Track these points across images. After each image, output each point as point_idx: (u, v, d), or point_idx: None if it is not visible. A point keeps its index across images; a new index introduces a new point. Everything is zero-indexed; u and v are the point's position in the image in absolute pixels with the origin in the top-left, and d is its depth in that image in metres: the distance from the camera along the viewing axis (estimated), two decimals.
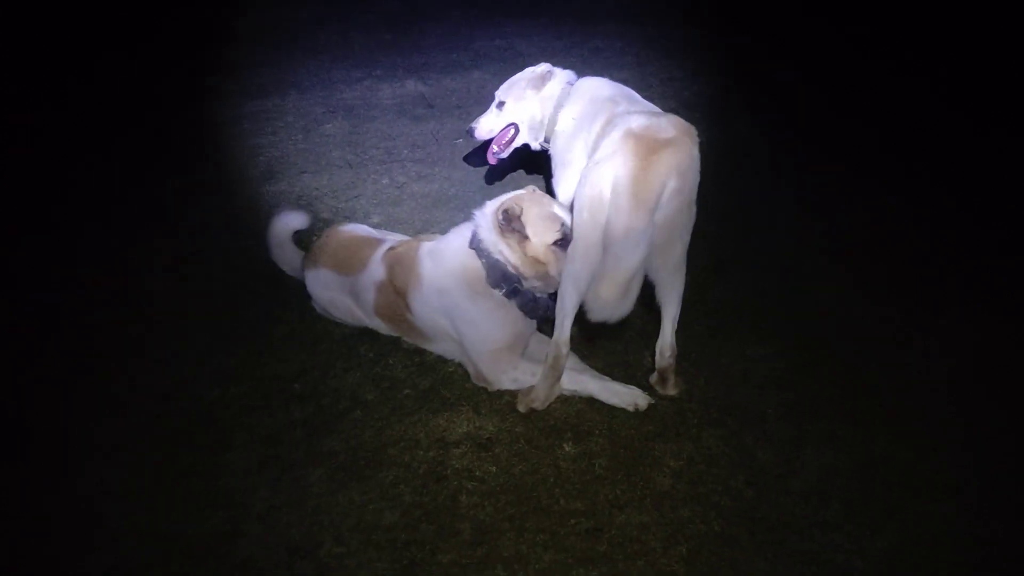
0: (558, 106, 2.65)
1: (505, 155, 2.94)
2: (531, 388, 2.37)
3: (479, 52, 5.61)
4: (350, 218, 3.40)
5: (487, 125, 2.88)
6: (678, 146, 2.01)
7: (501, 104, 2.81)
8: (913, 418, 2.30)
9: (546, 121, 2.71)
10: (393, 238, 2.79)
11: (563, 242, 2.32)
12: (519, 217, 2.30)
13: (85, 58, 5.60)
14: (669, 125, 2.07)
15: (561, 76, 2.70)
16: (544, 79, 2.68)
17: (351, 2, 6.98)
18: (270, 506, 2.09)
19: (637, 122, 2.07)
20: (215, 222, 3.46)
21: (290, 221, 3.03)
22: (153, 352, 2.70)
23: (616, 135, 2.06)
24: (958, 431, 2.25)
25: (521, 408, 2.36)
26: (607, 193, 1.99)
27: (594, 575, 1.88)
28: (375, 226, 3.10)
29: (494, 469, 2.18)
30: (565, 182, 2.60)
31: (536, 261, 2.31)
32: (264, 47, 5.88)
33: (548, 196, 2.50)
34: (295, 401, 2.44)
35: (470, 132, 2.96)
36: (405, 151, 4.09)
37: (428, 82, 5.04)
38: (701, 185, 2.13)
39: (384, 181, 3.79)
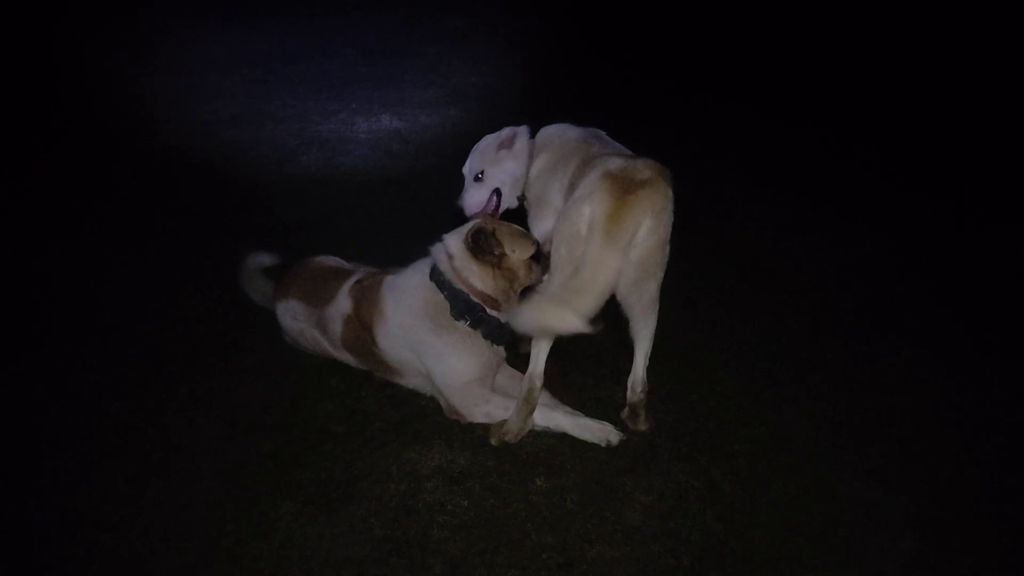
0: (530, 158, 2.72)
1: None
2: (504, 422, 2.40)
3: (455, 90, 5.75)
4: (324, 249, 3.39)
5: (476, 199, 2.77)
6: (654, 187, 2.11)
7: (480, 175, 2.76)
8: (876, 453, 2.38)
9: (523, 175, 2.75)
10: (363, 271, 2.82)
11: (537, 255, 2.41)
12: (493, 234, 2.36)
13: (50, 84, 5.60)
14: (645, 167, 2.16)
15: (523, 130, 2.75)
16: (513, 138, 2.71)
17: (329, 35, 7.12)
18: (237, 539, 2.07)
19: (615, 163, 2.17)
20: (186, 251, 3.46)
21: (260, 259, 3.06)
22: (118, 381, 2.67)
23: (594, 175, 2.14)
24: (920, 466, 2.33)
25: (493, 441, 2.39)
26: (584, 229, 2.08)
27: None
28: (349, 258, 3.12)
29: (466, 503, 2.19)
30: (541, 220, 2.67)
31: (509, 276, 2.37)
32: (239, 77, 5.95)
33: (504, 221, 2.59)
34: (264, 432, 2.44)
35: (461, 211, 2.80)
36: (380, 186, 4.15)
37: (404, 118, 5.14)
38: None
39: (359, 214, 3.84)
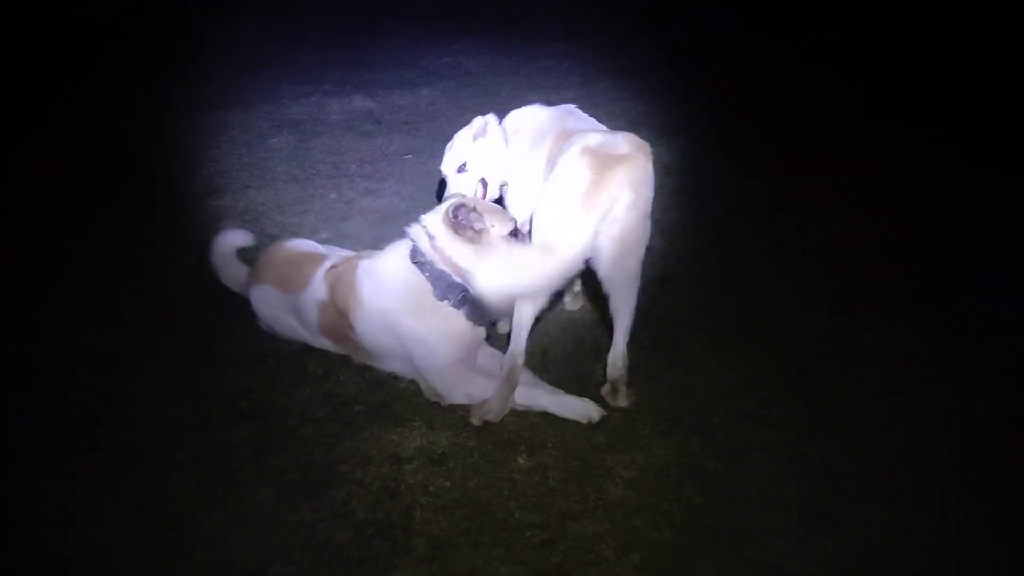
0: (505, 142, 2.71)
1: None
2: (485, 401, 2.40)
3: (428, 70, 5.69)
4: (297, 233, 3.38)
5: (464, 190, 2.74)
6: (633, 161, 2.12)
7: (462, 167, 2.73)
8: (852, 427, 2.42)
9: (502, 160, 2.74)
10: (339, 254, 2.78)
11: (516, 232, 2.42)
12: (474, 209, 2.35)
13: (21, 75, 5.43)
14: (624, 142, 2.17)
15: (492, 117, 2.73)
16: (485, 126, 2.69)
17: (299, 18, 6.99)
18: (215, 527, 2.05)
19: (594, 139, 2.17)
20: (156, 237, 3.40)
21: (233, 239, 3.01)
22: (90, 370, 2.63)
23: (573, 151, 2.14)
24: (893, 439, 2.38)
25: (475, 421, 2.39)
26: (563, 205, 2.08)
27: None
28: (323, 242, 3.09)
29: (448, 484, 2.20)
30: (521, 198, 2.66)
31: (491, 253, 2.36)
32: (207, 62, 5.83)
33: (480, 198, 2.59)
34: (241, 419, 2.41)
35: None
36: (353, 166, 4.10)
37: (376, 98, 5.08)
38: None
39: (332, 196, 3.80)
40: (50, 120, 4.67)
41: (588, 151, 2.11)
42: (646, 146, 2.20)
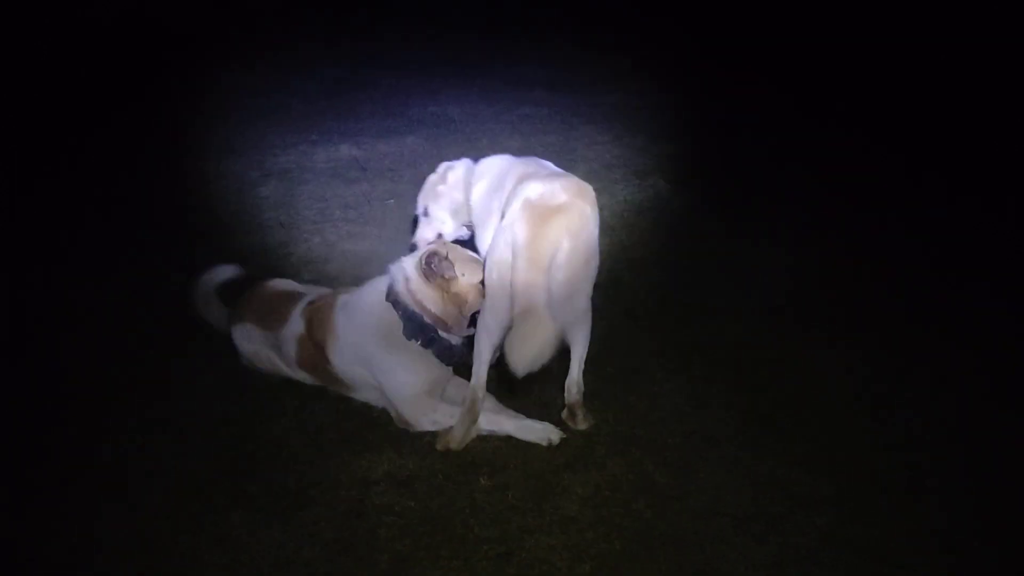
0: (468, 185, 2.86)
1: None
2: (450, 429, 2.57)
3: (413, 118, 5.99)
4: (281, 276, 3.59)
5: (425, 235, 2.97)
6: (569, 210, 2.28)
7: (425, 210, 2.96)
8: (800, 443, 2.58)
9: (464, 202, 2.91)
10: (317, 292, 2.98)
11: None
12: (447, 257, 2.55)
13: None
14: (562, 190, 2.32)
15: (461, 162, 2.94)
16: (446, 171, 2.91)
17: (291, 70, 7.35)
18: (191, 548, 2.21)
19: (533, 191, 2.33)
20: (145, 278, 3.62)
21: (217, 275, 3.22)
22: (74, 401, 2.82)
23: (516, 204, 2.32)
24: (840, 453, 2.54)
25: (439, 447, 2.56)
26: (508, 256, 2.28)
27: None
28: (305, 283, 3.30)
29: (412, 504, 2.36)
30: (484, 241, 2.85)
31: (458, 299, 2.55)
32: (204, 112, 6.16)
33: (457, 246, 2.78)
34: (219, 449, 2.59)
35: (413, 247, 2.94)
36: (337, 212, 4.34)
37: (362, 147, 5.36)
38: (616, 236, 2.42)
39: (316, 240, 4.03)
40: (51, 166, 4.96)
41: (527, 204, 2.29)
42: (586, 189, 2.38)
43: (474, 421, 2.55)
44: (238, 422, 2.71)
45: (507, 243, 2.30)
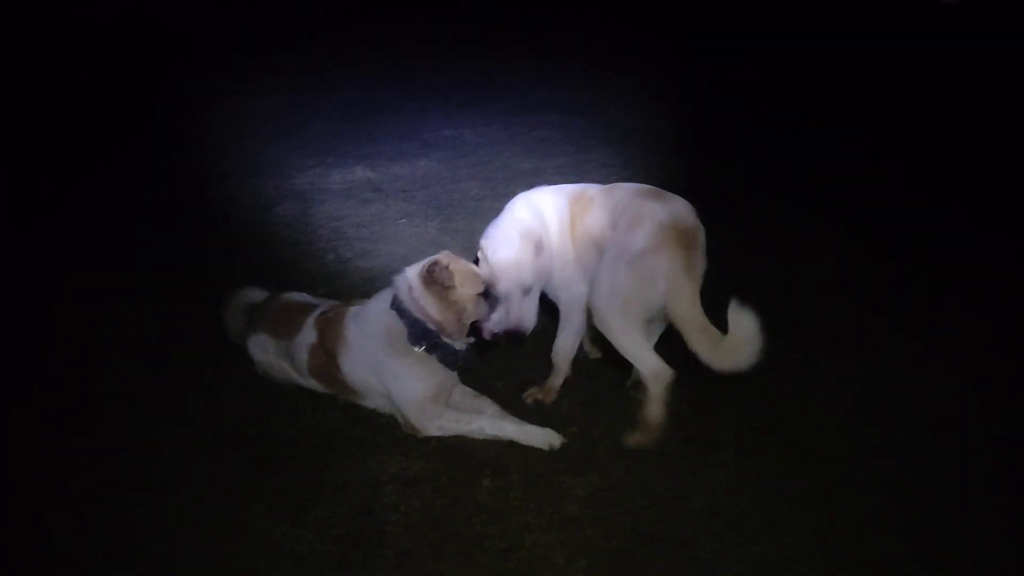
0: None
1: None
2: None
3: (428, 142, 6.22)
4: (296, 290, 3.79)
5: (530, 311, 2.79)
6: (701, 229, 2.63)
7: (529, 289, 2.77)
8: (793, 448, 2.70)
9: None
10: (327, 304, 3.13)
11: (487, 293, 2.75)
12: (447, 268, 2.71)
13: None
14: (687, 212, 2.65)
15: (530, 229, 2.77)
16: (539, 243, 2.76)
17: (313, 94, 7.66)
18: (209, 540, 2.37)
19: (663, 213, 2.58)
20: (171, 291, 3.83)
21: (248, 296, 3.41)
22: (110, 401, 3.05)
23: (649, 228, 2.53)
24: (832, 458, 2.65)
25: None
26: (662, 282, 2.49)
27: None
28: (318, 298, 3.49)
29: (418, 503, 2.50)
30: (569, 284, 2.87)
31: (457, 308, 2.71)
32: (228, 135, 6.45)
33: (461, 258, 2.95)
34: (236, 449, 2.76)
35: (517, 333, 2.77)
36: (351, 231, 4.54)
37: (377, 169, 5.58)
38: None
39: (330, 257, 4.23)
40: (76, 187, 5.24)
41: (665, 227, 2.54)
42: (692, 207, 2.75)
43: (664, 405, 2.63)
44: (256, 424, 2.89)
45: (658, 269, 2.49)
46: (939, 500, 2.47)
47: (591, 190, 2.89)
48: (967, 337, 3.35)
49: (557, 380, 2.99)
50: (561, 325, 2.96)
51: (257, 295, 3.42)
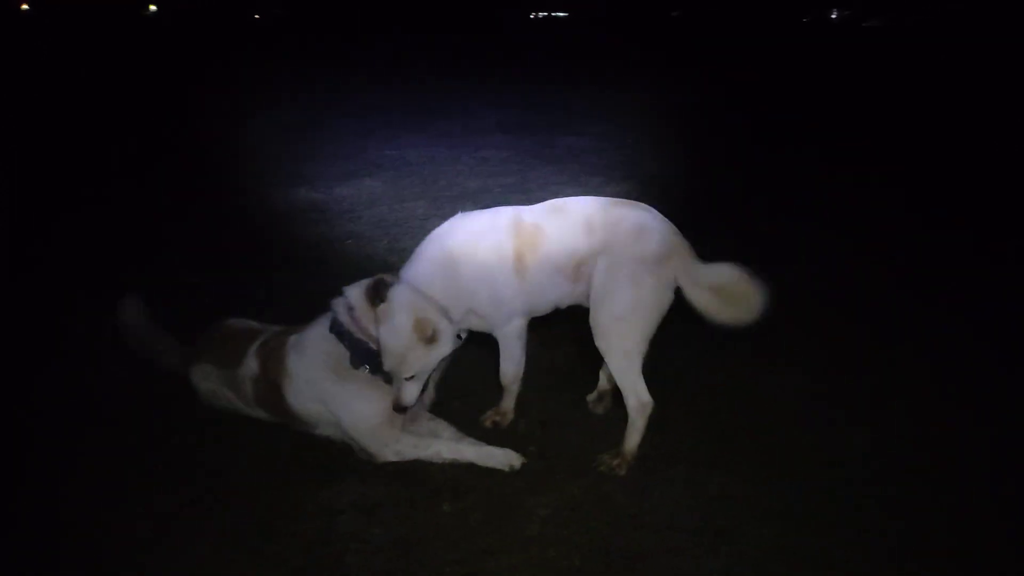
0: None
1: None
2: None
3: (371, 161, 6.21)
4: (242, 316, 3.69)
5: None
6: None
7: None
8: (749, 460, 2.76)
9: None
10: (270, 331, 3.04)
11: None
12: (391, 286, 2.68)
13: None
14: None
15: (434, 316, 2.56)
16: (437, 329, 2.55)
17: (249, 115, 7.56)
18: None
19: (658, 219, 2.66)
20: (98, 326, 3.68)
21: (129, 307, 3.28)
22: (50, 435, 2.91)
23: (657, 235, 2.61)
24: (788, 469, 2.72)
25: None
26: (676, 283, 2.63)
27: None
28: (265, 321, 3.41)
29: (378, 531, 2.45)
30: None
31: None
32: (161, 158, 6.29)
33: None
34: (180, 484, 2.65)
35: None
36: (299, 251, 4.48)
37: (320, 190, 5.53)
38: None
39: (276, 281, 4.14)
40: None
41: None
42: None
43: (641, 433, 2.68)
44: (198, 458, 2.79)
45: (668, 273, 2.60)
46: (892, 506, 2.55)
47: (528, 216, 2.67)
48: (916, 348, 3.49)
49: (509, 402, 2.98)
50: (502, 355, 2.86)
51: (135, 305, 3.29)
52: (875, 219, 4.89)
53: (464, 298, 2.62)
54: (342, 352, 2.71)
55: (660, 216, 2.69)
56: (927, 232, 4.67)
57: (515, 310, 2.72)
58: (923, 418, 3.02)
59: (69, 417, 3.01)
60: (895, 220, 4.82)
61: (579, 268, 2.63)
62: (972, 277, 4.16)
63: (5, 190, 4.94)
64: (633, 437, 2.67)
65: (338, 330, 2.72)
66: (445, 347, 2.60)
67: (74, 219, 5.01)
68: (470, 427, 2.90)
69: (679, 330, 3.56)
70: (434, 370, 2.74)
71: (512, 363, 2.88)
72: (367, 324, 2.68)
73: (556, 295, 2.70)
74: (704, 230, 2.71)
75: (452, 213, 2.78)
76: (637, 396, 2.64)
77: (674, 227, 2.67)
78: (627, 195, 5.42)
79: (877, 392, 3.18)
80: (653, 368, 3.27)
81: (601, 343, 2.65)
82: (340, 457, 2.78)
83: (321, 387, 2.73)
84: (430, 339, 2.52)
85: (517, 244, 2.61)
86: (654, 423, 2.90)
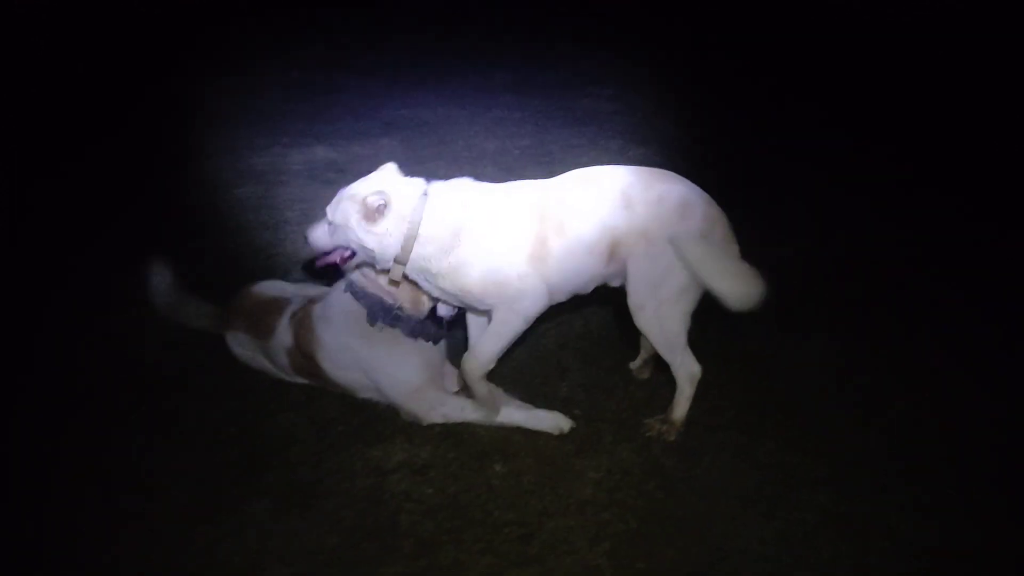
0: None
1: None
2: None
3: (386, 121, 6.09)
4: (270, 276, 3.65)
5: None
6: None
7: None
8: (795, 426, 2.78)
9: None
10: (304, 294, 3.00)
11: None
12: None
13: None
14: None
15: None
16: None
17: (255, 73, 7.38)
18: (210, 539, 2.27)
19: (699, 193, 2.57)
20: (133, 281, 3.62)
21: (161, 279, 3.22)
22: (78, 406, 2.85)
23: (700, 208, 2.53)
24: (834, 435, 2.75)
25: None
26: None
27: (527, 574, 2.19)
28: (295, 282, 3.37)
29: (430, 491, 2.46)
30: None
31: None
32: (167, 117, 6.15)
33: None
34: (229, 443, 2.65)
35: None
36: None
37: (337, 149, 5.43)
38: None
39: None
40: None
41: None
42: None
43: (690, 400, 2.68)
44: (245, 417, 2.77)
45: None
46: (937, 472, 2.59)
47: (553, 192, 2.50)
48: (954, 323, 3.47)
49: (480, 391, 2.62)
50: (489, 329, 2.54)
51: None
52: (901, 196, 4.89)
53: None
54: (361, 311, 2.67)
55: (698, 189, 2.59)
56: (958, 214, 4.67)
57: (533, 289, 2.45)
58: (962, 389, 3.04)
59: (103, 386, 2.99)
60: (926, 209, 4.80)
61: (615, 249, 2.46)
62: (1000, 257, 4.17)
63: None
64: (682, 405, 2.68)
65: (352, 289, 2.69)
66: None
67: (57, 185, 4.91)
68: (514, 390, 2.89)
69: (708, 303, 3.60)
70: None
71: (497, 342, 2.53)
72: (376, 276, 2.65)
73: (583, 280, 2.53)
74: (730, 200, 2.67)
75: (474, 174, 2.67)
76: (686, 367, 2.64)
77: (711, 199, 2.59)
78: (649, 160, 5.43)
79: (910, 363, 3.19)
80: (693, 341, 3.30)
81: (645, 325, 2.55)
82: (386, 418, 2.78)
83: (353, 353, 2.70)
84: (375, 212, 2.45)
85: (541, 229, 2.41)
86: (698, 391, 2.92)
